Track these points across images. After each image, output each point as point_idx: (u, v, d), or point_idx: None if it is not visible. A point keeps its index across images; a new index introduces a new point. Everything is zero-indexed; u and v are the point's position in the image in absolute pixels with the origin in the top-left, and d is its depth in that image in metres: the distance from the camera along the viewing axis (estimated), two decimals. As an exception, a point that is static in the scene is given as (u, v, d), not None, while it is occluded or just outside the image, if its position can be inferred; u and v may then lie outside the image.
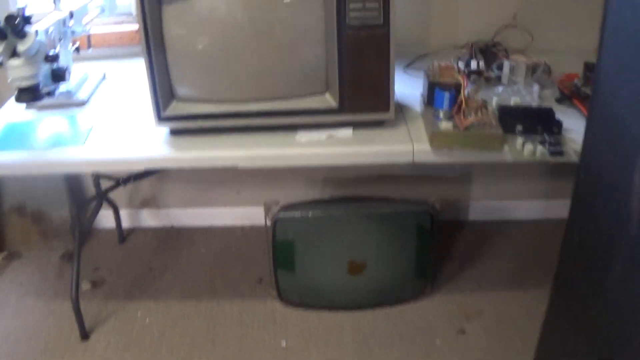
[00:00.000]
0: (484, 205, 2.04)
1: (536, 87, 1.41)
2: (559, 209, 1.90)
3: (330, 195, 1.94)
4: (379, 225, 1.55)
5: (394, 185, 1.91)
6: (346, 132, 1.27)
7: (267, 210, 1.54)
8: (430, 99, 1.28)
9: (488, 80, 1.46)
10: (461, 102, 1.24)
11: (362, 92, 1.23)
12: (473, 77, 1.45)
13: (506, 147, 1.22)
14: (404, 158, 1.23)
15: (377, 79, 1.22)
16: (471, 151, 1.22)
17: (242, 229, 2.05)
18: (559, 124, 1.26)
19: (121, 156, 1.26)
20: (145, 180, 1.93)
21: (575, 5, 1.69)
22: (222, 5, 1.18)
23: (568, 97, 1.40)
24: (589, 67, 1.44)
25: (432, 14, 1.72)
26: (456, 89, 1.25)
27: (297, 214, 1.53)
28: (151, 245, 2.01)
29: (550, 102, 1.41)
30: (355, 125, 1.28)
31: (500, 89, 1.42)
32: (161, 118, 1.24)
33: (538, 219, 2.06)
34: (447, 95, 1.23)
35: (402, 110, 1.36)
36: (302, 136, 1.25)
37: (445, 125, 1.21)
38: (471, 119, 1.21)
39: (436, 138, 1.21)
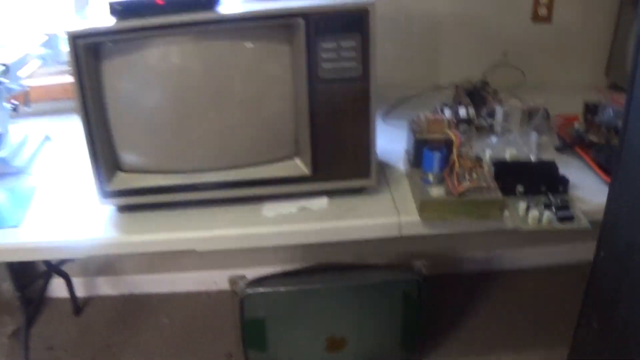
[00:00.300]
0: (476, 255, 1.85)
1: (534, 137, 1.23)
2: (560, 255, 1.85)
3: (303, 261, 1.74)
4: (359, 297, 1.37)
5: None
6: (321, 203, 1.08)
7: (232, 286, 1.35)
8: (417, 160, 1.09)
9: (479, 129, 1.28)
10: (454, 162, 1.05)
11: (338, 157, 1.05)
12: (462, 127, 1.26)
13: (506, 213, 1.04)
14: (389, 231, 1.05)
15: (355, 140, 1.04)
16: (467, 220, 1.02)
17: (208, 294, 1.86)
18: (564, 182, 1.08)
19: (61, 241, 1.07)
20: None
21: (568, 38, 1.52)
22: (172, 55, 1.00)
23: (570, 145, 1.22)
24: (589, 109, 1.27)
25: (411, 53, 1.54)
26: (447, 146, 1.07)
27: (266, 289, 1.34)
28: (109, 317, 1.81)
29: (549, 152, 1.24)
30: (331, 193, 1.08)
31: (493, 139, 1.24)
32: (105, 194, 1.05)
33: (535, 266, 1.88)
34: (437, 156, 1.05)
35: (383, 170, 1.17)
36: (270, 209, 1.06)
37: (436, 191, 1.03)
38: (467, 183, 1.02)
39: (426, 207, 1.02)
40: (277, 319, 1.38)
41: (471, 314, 1.73)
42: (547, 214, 1.02)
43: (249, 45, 0.98)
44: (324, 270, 1.40)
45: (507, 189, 1.07)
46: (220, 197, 1.09)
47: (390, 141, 1.25)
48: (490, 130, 1.28)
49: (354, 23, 0.96)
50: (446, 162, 1.07)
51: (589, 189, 1.11)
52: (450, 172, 1.06)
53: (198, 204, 1.09)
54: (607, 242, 0.86)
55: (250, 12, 0.94)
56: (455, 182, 1.04)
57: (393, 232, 1.05)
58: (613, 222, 0.84)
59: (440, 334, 1.66)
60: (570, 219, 1.02)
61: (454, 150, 1.07)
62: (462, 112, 1.27)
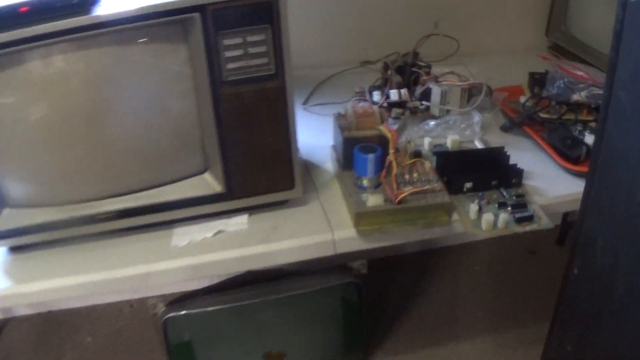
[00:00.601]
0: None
1: (477, 118, 1.08)
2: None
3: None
4: (295, 307, 1.22)
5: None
6: (240, 222, 0.91)
7: (151, 309, 1.17)
8: (347, 161, 0.93)
9: (414, 112, 1.11)
10: (390, 163, 0.90)
11: (254, 168, 0.89)
12: (395, 112, 1.10)
13: (455, 216, 0.89)
14: (322, 251, 0.91)
15: (273, 148, 0.88)
16: (411, 229, 0.88)
17: (130, 304, 1.66)
18: (517, 172, 0.94)
19: None
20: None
21: (501, 3, 1.36)
22: (48, 69, 0.80)
23: (517, 124, 1.08)
24: (535, 80, 1.13)
25: (333, 26, 1.36)
26: (381, 144, 0.91)
27: (189, 310, 1.17)
28: (30, 340, 1.63)
29: (494, 134, 1.10)
30: (253, 209, 0.91)
31: (431, 123, 1.09)
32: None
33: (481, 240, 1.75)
34: (371, 158, 0.89)
35: (309, 173, 1.02)
36: (181, 236, 0.90)
37: (373, 199, 0.88)
38: (408, 188, 0.87)
39: (363, 220, 0.87)
40: (205, 341, 1.22)
41: (418, 298, 1.61)
42: (503, 216, 0.88)
43: (137, 49, 0.80)
44: (252, 282, 1.23)
45: (453, 186, 0.92)
46: (123, 227, 0.92)
47: (315, 133, 1.09)
48: (427, 112, 1.11)
49: (262, 13, 0.79)
50: (382, 163, 0.91)
51: (543, 177, 0.98)
52: (388, 175, 0.90)
53: (99, 237, 0.92)
54: (582, 258, 0.72)
55: (133, 11, 0.76)
56: (394, 188, 0.89)
57: (327, 251, 0.90)
58: (590, 234, 0.70)
59: (387, 325, 1.55)
60: (529, 219, 0.90)
61: (390, 151, 0.90)
62: (394, 95, 1.11)
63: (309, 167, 1.04)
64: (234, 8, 0.78)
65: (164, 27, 0.78)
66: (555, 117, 1.06)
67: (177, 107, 0.85)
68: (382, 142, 0.93)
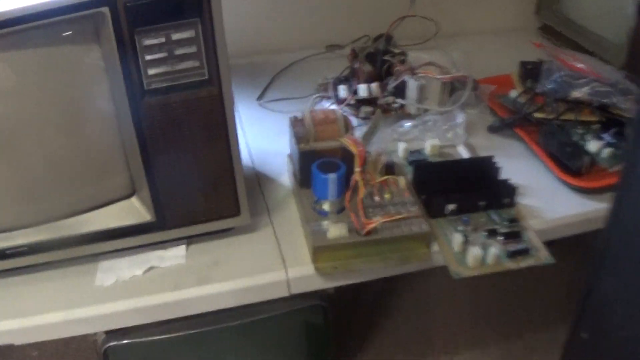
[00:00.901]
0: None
1: (461, 118, 0.90)
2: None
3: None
4: (253, 334, 1.05)
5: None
6: (176, 255, 0.75)
7: (91, 336, 1.01)
8: (305, 179, 0.76)
9: (386, 111, 0.94)
10: (356, 183, 0.72)
11: (190, 192, 0.72)
12: (364, 111, 0.92)
13: (435, 247, 0.72)
14: (274, 292, 0.74)
15: (211, 168, 0.70)
16: (382, 265, 0.71)
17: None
18: (510, 191, 0.77)
19: None
20: None
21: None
22: None
23: (507, 124, 0.90)
24: (528, 71, 0.95)
25: (293, 5, 1.16)
26: (346, 159, 0.73)
27: (133, 339, 0.99)
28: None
29: (480, 135, 0.93)
30: (192, 237, 0.73)
31: (406, 125, 0.92)
32: None
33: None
34: (332, 179, 0.71)
35: (261, 187, 0.83)
36: (107, 273, 0.74)
37: (335, 230, 0.71)
38: (377, 219, 0.70)
39: (323, 255, 0.71)
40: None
41: (392, 311, 1.44)
42: (493, 251, 0.71)
43: (38, 55, 0.62)
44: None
45: (434, 208, 0.75)
46: (39, 263, 0.74)
47: (271, 135, 0.92)
48: (402, 110, 0.94)
49: (188, 5, 0.62)
50: (346, 183, 0.73)
51: (539, 193, 0.83)
52: (353, 197, 0.73)
53: (9, 274, 0.75)
54: (594, 322, 0.55)
55: (25, 10, 0.56)
56: (361, 215, 0.71)
57: (279, 292, 0.74)
58: (607, 296, 0.53)
59: (358, 342, 1.39)
60: (524, 252, 0.73)
61: (356, 169, 0.73)
62: (363, 90, 0.93)
63: (262, 181, 0.86)
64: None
65: (70, 26, 0.60)
66: (552, 116, 0.89)
67: (93, 122, 0.67)
68: (346, 157, 0.75)
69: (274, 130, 0.92)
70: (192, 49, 0.64)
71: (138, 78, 0.64)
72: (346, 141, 0.76)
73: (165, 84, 0.65)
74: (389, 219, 0.73)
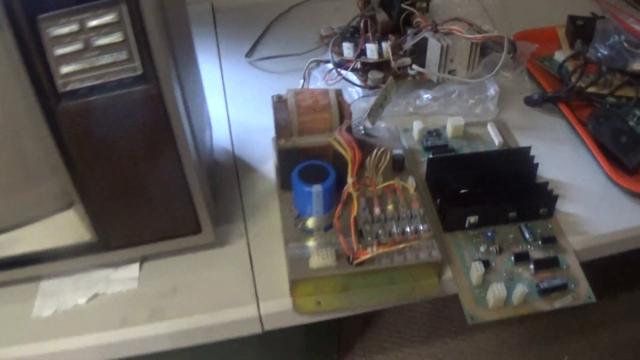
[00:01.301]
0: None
1: (493, 89, 0.71)
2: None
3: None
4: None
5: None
6: (127, 278, 0.63)
7: None
8: (286, 181, 0.59)
9: (401, 77, 0.75)
10: (349, 196, 0.56)
11: (135, 208, 0.56)
12: (372, 77, 0.74)
13: (449, 273, 0.56)
14: (244, 329, 0.58)
15: (159, 180, 0.53)
16: (378, 300, 0.55)
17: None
18: (549, 200, 0.59)
19: None
20: None
21: None
22: None
23: (550, 99, 0.71)
24: (579, 30, 0.75)
25: None
26: (338, 161, 0.56)
27: None
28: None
29: (513, 107, 0.74)
30: (148, 258, 0.59)
31: (424, 96, 0.73)
32: None
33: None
34: (317, 193, 0.54)
35: (239, 180, 0.67)
36: (46, 300, 0.62)
37: (318, 259, 0.55)
38: (373, 249, 0.53)
39: (303, 290, 0.55)
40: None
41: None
42: (521, 289, 0.54)
43: None
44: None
45: (449, 218, 0.59)
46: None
47: (258, 104, 0.75)
48: (420, 77, 0.75)
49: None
50: (336, 195, 0.56)
51: (583, 194, 0.66)
52: (345, 211, 0.56)
53: None
54: None
55: None
56: (353, 241, 0.54)
57: (249, 329, 0.58)
58: None
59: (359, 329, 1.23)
60: (561, 288, 0.55)
61: (350, 180, 0.56)
62: (371, 51, 0.74)
63: (242, 170, 0.70)
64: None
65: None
66: (605, 92, 0.69)
67: (8, 128, 0.50)
68: (339, 157, 0.58)
69: (263, 97, 0.73)
70: (117, 38, 0.47)
71: (48, 79, 0.47)
72: (337, 140, 0.58)
73: (85, 84, 0.48)
74: (388, 250, 0.55)
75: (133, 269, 0.63)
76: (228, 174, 0.70)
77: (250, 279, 0.60)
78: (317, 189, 0.57)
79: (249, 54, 0.87)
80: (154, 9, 0.46)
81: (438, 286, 0.59)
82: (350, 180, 0.58)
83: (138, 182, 0.55)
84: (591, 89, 0.72)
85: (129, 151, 0.53)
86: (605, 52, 0.73)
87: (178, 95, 0.51)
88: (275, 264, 0.60)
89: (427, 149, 0.71)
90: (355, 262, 0.56)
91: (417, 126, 0.72)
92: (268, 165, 0.71)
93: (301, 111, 0.61)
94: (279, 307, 0.59)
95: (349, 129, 0.60)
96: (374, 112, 0.73)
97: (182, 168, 0.55)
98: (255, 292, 0.59)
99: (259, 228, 0.65)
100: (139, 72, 0.49)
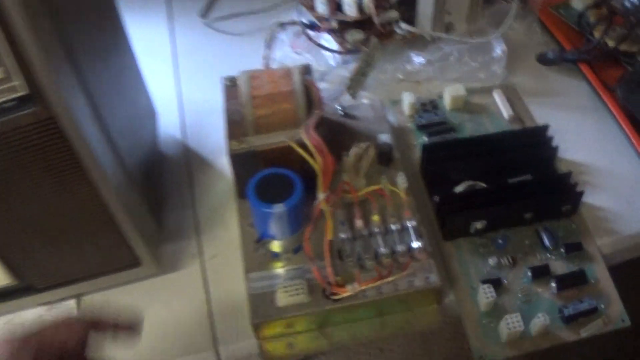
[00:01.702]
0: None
1: (500, 48, 0.58)
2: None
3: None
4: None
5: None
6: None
7: None
8: (243, 191, 0.46)
9: (386, 37, 0.61)
10: (321, 213, 0.42)
11: (54, 247, 0.44)
12: (352, 37, 0.61)
13: (451, 296, 0.44)
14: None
15: (73, 216, 0.39)
16: (364, 334, 0.43)
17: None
18: (572, 196, 0.46)
19: None
20: None
21: None
22: None
23: (569, 58, 0.58)
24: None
25: None
26: (306, 170, 0.43)
27: None
28: None
29: (524, 67, 0.61)
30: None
31: (416, 60, 0.60)
32: None
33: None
34: (279, 215, 0.41)
35: (191, 180, 0.56)
36: None
37: (285, 297, 0.43)
38: (351, 288, 0.41)
39: (270, 331, 0.44)
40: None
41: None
42: (541, 319, 0.42)
43: None
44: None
45: (450, 224, 0.47)
46: None
47: (214, 75, 0.59)
48: (410, 36, 0.61)
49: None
50: (305, 212, 0.44)
51: (612, 181, 0.51)
52: (316, 228, 0.44)
53: None
54: None
55: None
56: (329, 273, 0.42)
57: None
58: None
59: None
60: (590, 312, 0.43)
61: (321, 195, 0.43)
62: (350, 6, 0.60)
63: (195, 165, 0.56)
64: None
65: None
66: (635, 49, 0.55)
67: None
68: (306, 173, 0.45)
69: (222, 68, 0.59)
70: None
71: None
72: (303, 141, 0.45)
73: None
74: (372, 285, 0.43)
75: (68, 307, 0.50)
76: (178, 172, 0.57)
77: (206, 315, 0.48)
78: (278, 209, 0.44)
79: (204, 14, 0.72)
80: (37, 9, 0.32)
81: (438, 314, 0.46)
82: (321, 196, 0.44)
83: (49, 219, 0.43)
84: (622, 47, 0.58)
85: (30, 188, 0.40)
86: (635, 1, 0.58)
87: (81, 111, 0.38)
88: (237, 292, 0.48)
89: (422, 127, 0.57)
90: (333, 297, 0.44)
91: (407, 98, 0.59)
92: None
93: (257, 102, 0.47)
94: (242, 352, 0.46)
95: (320, 124, 0.46)
96: (355, 82, 0.60)
97: (98, 196, 0.42)
98: (213, 333, 0.47)
99: (215, 245, 0.53)
100: (23, 92, 0.35)
